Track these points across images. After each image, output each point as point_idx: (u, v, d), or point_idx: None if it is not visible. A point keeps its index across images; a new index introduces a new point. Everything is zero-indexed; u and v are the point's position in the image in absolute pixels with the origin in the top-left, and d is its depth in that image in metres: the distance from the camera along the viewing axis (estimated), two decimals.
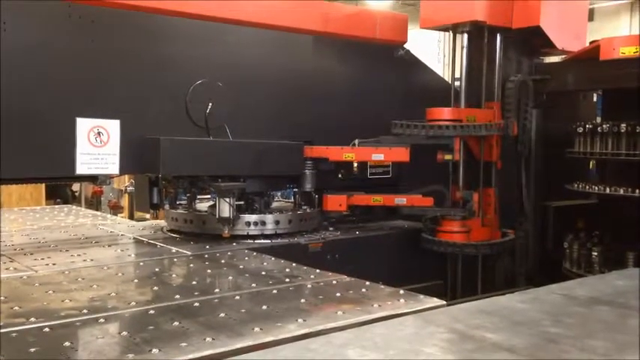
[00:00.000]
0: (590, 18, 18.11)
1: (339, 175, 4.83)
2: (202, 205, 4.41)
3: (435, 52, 16.68)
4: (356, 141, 4.64)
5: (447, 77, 5.45)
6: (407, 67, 5.31)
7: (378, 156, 4.64)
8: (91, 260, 3.45)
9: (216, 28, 4.31)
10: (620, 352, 1.91)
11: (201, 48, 4.25)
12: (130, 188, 9.09)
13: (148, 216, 6.98)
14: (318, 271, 3.21)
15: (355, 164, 4.89)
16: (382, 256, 4.47)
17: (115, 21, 3.89)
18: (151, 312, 2.45)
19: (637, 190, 4.33)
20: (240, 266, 3.35)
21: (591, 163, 5.13)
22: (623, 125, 4.39)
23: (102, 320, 2.35)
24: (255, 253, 3.69)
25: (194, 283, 2.95)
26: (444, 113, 4.73)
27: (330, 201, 4.61)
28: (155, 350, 2.00)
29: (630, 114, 4.65)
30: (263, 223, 4.14)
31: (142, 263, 3.43)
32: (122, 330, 2.26)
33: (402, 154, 4.59)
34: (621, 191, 4.43)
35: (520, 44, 5.09)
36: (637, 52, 4.11)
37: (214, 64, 4.28)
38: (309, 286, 2.91)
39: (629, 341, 2.02)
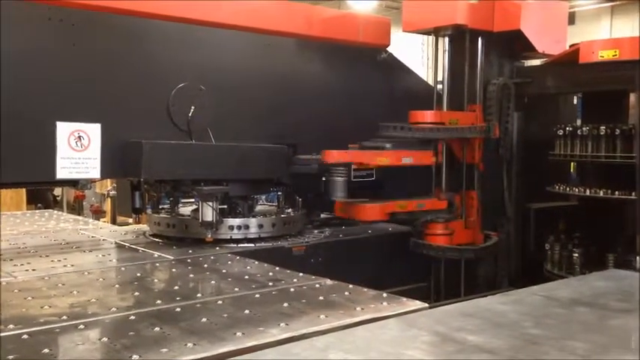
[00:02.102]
0: (571, 21, 18.42)
1: (323, 178, 4.83)
2: (185, 209, 4.38)
3: (419, 55, 16.79)
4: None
5: (431, 80, 5.48)
6: (390, 71, 5.33)
7: (407, 159, 4.63)
8: (72, 266, 3.41)
9: (199, 31, 4.29)
10: (600, 354, 1.93)
11: (184, 51, 4.23)
12: (113, 192, 9.01)
13: (130, 220, 6.92)
14: (301, 274, 3.20)
15: None
16: (366, 259, 4.47)
17: (95, 24, 3.86)
18: (132, 318, 2.43)
19: (616, 192, 4.38)
20: (223, 270, 3.33)
21: (572, 165, 5.18)
22: (603, 128, 4.44)
23: (82, 326, 2.32)
24: (238, 257, 3.67)
25: (176, 288, 2.93)
26: (427, 116, 4.76)
27: (368, 211, 4.53)
28: (135, 356, 1.98)
29: (609, 117, 4.71)
30: (246, 226, 4.13)
31: (123, 268, 3.40)
32: (102, 336, 2.24)
33: (427, 157, 4.69)
34: (601, 193, 4.48)
35: (501, 47, 5.13)
36: (616, 55, 4.16)
37: (197, 67, 4.26)
38: (292, 289, 2.91)
39: (608, 342, 2.05)
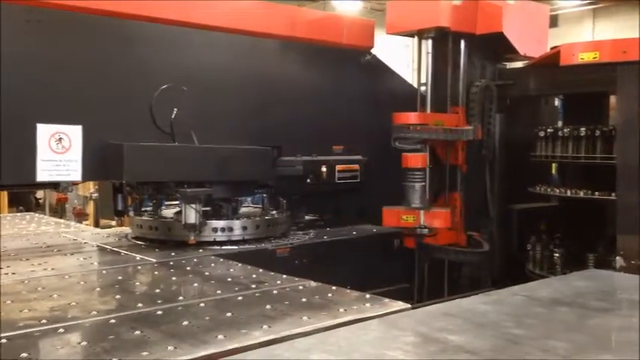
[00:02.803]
0: (554, 24, 18.61)
1: (308, 180, 4.83)
2: (168, 212, 4.35)
3: (404, 57, 16.86)
4: None
5: (416, 82, 5.51)
6: (374, 73, 5.35)
7: None
8: (52, 269, 3.37)
9: (182, 33, 4.27)
10: (580, 353, 1.95)
11: (167, 53, 4.21)
12: (96, 195, 8.94)
13: (113, 223, 6.87)
14: (284, 276, 3.19)
15: (324, 169, 4.90)
16: (351, 260, 4.47)
17: (76, 25, 3.83)
18: (112, 321, 2.40)
19: (596, 193, 4.43)
20: (206, 273, 3.31)
21: (553, 166, 5.23)
22: (583, 129, 4.49)
23: (61, 330, 2.29)
24: (221, 260, 3.65)
25: (158, 291, 2.90)
26: (411, 118, 4.78)
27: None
28: None
29: (590, 118, 4.76)
30: (230, 229, 4.11)
31: (104, 271, 3.36)
32: (82, 340, 2.22)
33: None
34: (581, 194, 4.53)
35: (484, 50, 5.17)
36: (596, 57, 4.21)
37: (180, 69, 4.24)
38: (275, 292, 2.90)
39: (588, 342, 2.07)
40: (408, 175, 4.67)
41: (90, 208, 10.73)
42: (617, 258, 4.10)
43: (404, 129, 4.64)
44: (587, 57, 4.22)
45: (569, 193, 4.64)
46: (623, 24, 18.39)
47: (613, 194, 4.24)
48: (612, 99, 4.76)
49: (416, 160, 4.62)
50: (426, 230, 4.78)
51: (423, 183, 4.63)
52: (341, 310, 2.55)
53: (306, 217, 4.96)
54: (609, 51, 4.25)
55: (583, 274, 3.13)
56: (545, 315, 2.35)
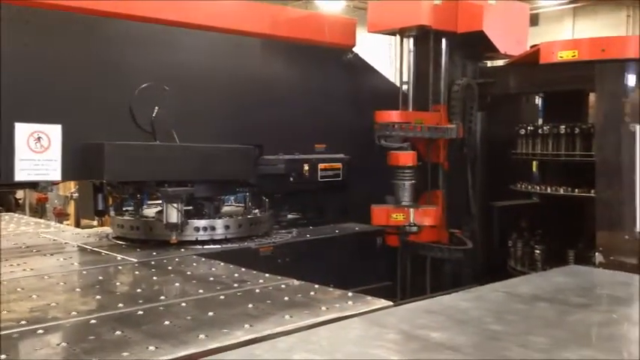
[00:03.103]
0: (535, 22, 18.76)
1: (291, 179, 4.82)
2: (150, 211, 4.32)
3: (387, 55, 16.91)
4: None
5: (398, 80, 5.53)
6: (356, 71, 5.35)
7: None
8: (32, 270, 3.33)
9: (163, 31, 4.24)
10: (559, 348, 1.97)
11: (148, 51, 4.18)
12: (76, 195, 8.84)
13: (94, 223, 6.80)
14: (267, 275, 3.18)
15: (306, 167, 4.90)
16: (334, 258, 4.47)
17: (56, 23, 3.78)
18: (93, 322, 2.38)
19: (576, 190, 4.48)
20: (188, 272, 3.30)
21: (534, 164, 5.28)
22: (563, 127, 4.54)
23: (41, 331, 2.27)
24: (203, 259, 3.63)
25: (139, 291, 2.88)
26: (393, 116, 4.80)
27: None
28: None
29: (570, 116, 4.81)
30: (212, 228, 4.09)
31: (85, 272, 3.33)
32: (62, 341, 2.19)
33: None
34: (561, 191, 4.57)
35: (465, 48, 5.21)
36: (575, 55, 4.26)
37: (161, 67, 4.21)
38: (257, 290, 2.89)
39: (567, 337, 2.09)
40: (397, 173, 4.68)
41: (71, 208, 10.62)
42: (597, 254, 4.15)
43: (389, 127, 4.65)
44: (566, 55, 4.26)
45: (549, 191, 4.69)
46: (602, 22, 18.62)
47: (592, 191, 4.29)
48: (592, 97, 4.82)
49: (406, 158, 4.63)
50: (415, 228, 4.79)
51: (413, 181, 4.65)
52: (323, 308, 2.55)
53: (289, 216, 4.96)
54: (588, 49, 4.29)
55: (563, 271, 3.17)
56: (526, 311, 2.37)
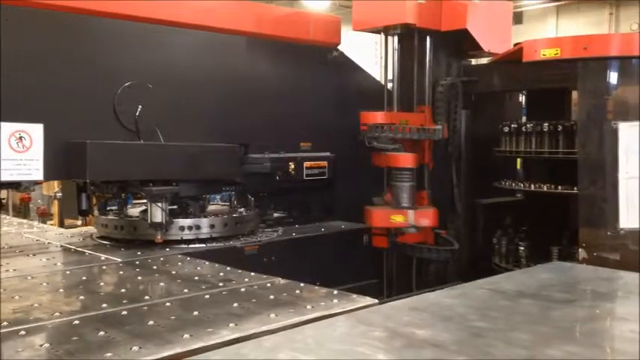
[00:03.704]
0: (519, 21, 18.91)
1: (277, 177, 4.81)
2: (134, 210, 4.29)
3: (373, 54, 16.94)
4: None
5: (383, 78, 5.54)
6: (341, 69, 5.36)
7: None
8: (14, 270, 3.29)
9: (148, 29, 4.21)
10: (543, 344, 1.98)
11: (132, 49, 4.14)
12: (60, 194, 8.75)
13: (79, 223, 6.75)
14: (252, 274, 3.18)
15: (292, 165, 4.89)
16: (320, 257, 4.47)
17: (37, 21, 3.74)
18: (76, 322, 2.36)
19: (559, 187, 4.52)
20: (173, 272, 3.28)
21: (518, 161, 5.31)
22: (546, 124, 4.57)
23: (23, 332, 2.24)
24: (188, 258, 3.62)
25: (123, 291, 2.86)
26: (378, 117, 4.82)
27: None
28: None
29: (553, 113, 4.85)
30: (197, 227, 4.07)
31: (68, 272, 3.30)
32: (44, 342, 2.17)
33: None
34: (545, 188, 4.61)
35: (449, 46, 5.22)
36: (557, 54, 4.29)
37: (145, 65, 4.18)
38: (242, 289, 2.88)
39: (551, 333, 2.11)
40: (396, 174, 4.68)
41: (54, 208, 10.51)
42: (580, 250, 4.19)
43: (377, 129, 4.66)
44: (548, 53, 4.29)
45: (533, 188, 4.72)
46: (585, 20, 18.82)
47: (575, 188, 4.32)
48: (574, 94, 4.86)
49: (406, 159, 4.63)
50: (414, 230, 4.80)
51: (412, 183, 4.65)
52: (309, 306, 2.55)
53: (275, 215, 4.95)
54: (570, 47, 4.32)
55: (546, 267, 3.20)
56: (510, 307, 2.39)
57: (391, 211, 4.77)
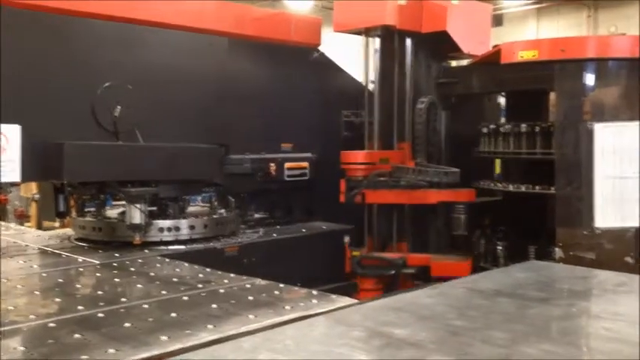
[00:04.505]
0: (500, 23, 19.06)
1: (258, 178, 4.80)
2: (113, 212, 4.25)
3: (356, 55, 16.99)
4: None
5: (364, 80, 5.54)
6: (322, 70, 5.36)
7: None
8: None
9: (129, 30, 4.18)
10: (519, 342, 2.00)
11: (112, 50, 4.11)
12: (38, 196, 8.63)
13: (56, 225, 6.66)
14: (232, 275, 3.17)
15: (273, 166, 4.89)
16: (300, 258, 4.48)
17: (17, 21, 3.69)
18: (52, 325, 2.33)
19: (537, 187, 4.56)
20: (151, 274, 3.26)
21: (497, 162, 5.36)
22: (524, 126, 4.61)
23: None
24: (167, 260, 3.60)
25: (100, 293, 2.84)
26: (359, 157, 4.86)
27: None
28: None
29: (531, 115, 4.90)
30: (177, 228, 4.05)
31: (44, 274, 3.26)
32: (19, 345, 2.14)
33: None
34: (523, 188, 4.65)
35: (429, 48, 5.25)
36: (535, 55, 4.33)
37: (125, 66, 4.15)
38: (222, 291, 2.87)
39: (527, 331, 2.13)
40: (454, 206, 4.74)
41: (32, 210, 10.37)
42: (557, 249, 4.23)
43: (404, 170, 4.74)
44: (526, 55, 4.33)
45: (511, 188, 4.76)
46: (565, 23, 19.04)
47: (552, 188, 4.37)
48: (552, 96, 4.91)
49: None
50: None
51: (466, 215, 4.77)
52: (288, 307, 2.55)
53: (256, 215, 4.94)
54: (548, 49, 4.37)
55: (523, 266, 3.22)
56: (487, 306, 2.41)
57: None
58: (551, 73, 4.33)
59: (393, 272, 4.73)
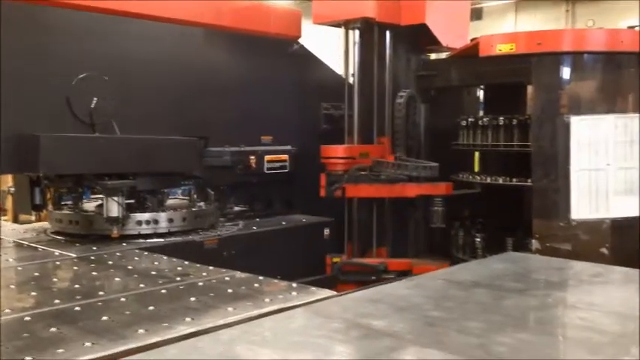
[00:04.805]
0: (479, 17, 19.19)
1: (237, 171, 4.78)
2: (90, 205, 4.21)
3: (336, 48, 16.96)
4: None
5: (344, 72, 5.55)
6: (302, 63, 5.35)
7: None
8: None
9: (105, 20, 4.12)
10: (495, 332, 2.02)
11: (88, 41, 4.05)
12: (13, 189, 8.50)
13: (33, 218, 6.56)
14: (211, 268, 3.16)
15: (253, 159, 4.87)
16: (280, 250, 4.48)
17: None
18: (27, 319, 2.31)
19: (514, 179, 4.61)
20: (129, 267, 3.23)
21: (475, 154, 5.40)
22: (501, 118, 4.66)
23: None
24: (146, 253, 3.57)
25: (77, 286, 2.81)
26: (339, 151, 4.86)
27: None
28: (28, 358, 1.88)
29: (509, 108, 4.94)
30: (155, 221, 4.02)
31: (20, 268, 3.22)
32: None
33: None
34: (500, 180, 4.70)
35: (409, 41, 5.27)
36: (512, 49, 4.36)
37: (101, 57, 4.10)
38: (200, 284, 2.86)
39: (502, 321, 2.15)
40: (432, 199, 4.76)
41: (8, 203, 10.21)
42: (533, 241, 4.28)
43: (383, 164, 4.73)
44: (504, 48, 4.35)
45: (489, 180, 4.80)
46: (543, 17, 19.23)
47: (529, 180, 4.42)
48: (530, 89, 4.95)
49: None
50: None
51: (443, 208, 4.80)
52: (267, 300, 2.55)
53: (235, 208, 4.93)
54: (525, 43, 4.40)
55: (500, 257, 3.26)
56: (464, 297, 2.44)
57: None
58: (528, 66, 4.36)
59: (374, 278, 4.75)
